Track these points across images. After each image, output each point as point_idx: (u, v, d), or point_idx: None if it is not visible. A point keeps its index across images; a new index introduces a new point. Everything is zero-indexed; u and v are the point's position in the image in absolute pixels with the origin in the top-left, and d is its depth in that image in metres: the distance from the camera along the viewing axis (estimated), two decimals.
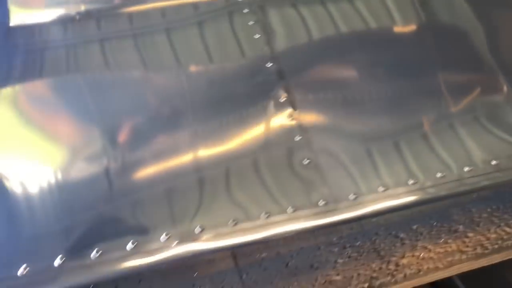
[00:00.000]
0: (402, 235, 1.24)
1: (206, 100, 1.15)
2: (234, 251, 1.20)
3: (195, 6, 1.31)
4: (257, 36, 1.25)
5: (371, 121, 1.16)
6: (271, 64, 1.20)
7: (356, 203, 1.02)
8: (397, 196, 1.04)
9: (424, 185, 1.06)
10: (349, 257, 1.19)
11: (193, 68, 1.20)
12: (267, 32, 1.26)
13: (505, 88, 1.26)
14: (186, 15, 1.29)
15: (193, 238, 0.96)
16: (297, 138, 1.10)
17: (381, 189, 1.04)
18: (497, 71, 1.29)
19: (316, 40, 1.28)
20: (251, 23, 1.28)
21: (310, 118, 1.14)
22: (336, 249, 1.21)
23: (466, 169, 1.09)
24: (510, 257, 1.21)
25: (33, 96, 1.14)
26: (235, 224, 0.98)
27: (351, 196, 1.03)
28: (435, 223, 1.26)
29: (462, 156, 1.13)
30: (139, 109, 1.13)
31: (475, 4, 1.40)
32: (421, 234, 1.24)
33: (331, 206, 1.01)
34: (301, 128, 1.11)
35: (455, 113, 1.20)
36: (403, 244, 1.22)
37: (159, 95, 1.16)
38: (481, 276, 1.39)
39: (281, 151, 1.09)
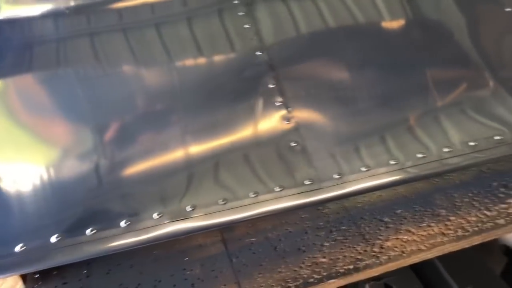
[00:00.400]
0: (386, 219, 1.28)
1: (197, 88, 1.18)
2: (224, 236, 1.23)
3: None
4: (246, 26, 1.28)
5: (356, 107, 1.20)
6: (261, 53, 1.24)
7: (340, 182, 1.06)
8: (379, 175, 1.08)
9: (404, 165, 1.10)
10: (335, 240, 1.22)
11: (182, 62, 1.22)
12: (257, 22, 1.29)
13: (490, 83, 1.30)
14: (176, 6, 1.31)
15: (184, 216, 1.00)
16: (285, 123, 1.13)
17: (363, 169, 1.08)
18: (482, 66, 1.32)
19: (304, 32, 1.31)
20: (241, 13, 1.30)
21: (298, 104, 1.17)
22: (322, 233, 1.24)
23: (445, 150, 1.13)
24: (489, 238, 1.25)
25: (23, 90, 1.16)
26: (225, 203, 1.02)
27: (335, 176, 1.07)
28: (418, 208, 1.30)
29: (442, 138, 1.17)
30: (129, 102, 1.16)
31: (461, 1, 1.43)
32: (405, 218, 1.28)
33: (316, 185, 1.05)
34: (289, 114, 1.15)
35: (442, 105, 1.24)
36: (387, 227, 1.26)
37: (151, 88, 1.18)
38: (460, 258, 1.43)
39: (269, 135, 1.12)
